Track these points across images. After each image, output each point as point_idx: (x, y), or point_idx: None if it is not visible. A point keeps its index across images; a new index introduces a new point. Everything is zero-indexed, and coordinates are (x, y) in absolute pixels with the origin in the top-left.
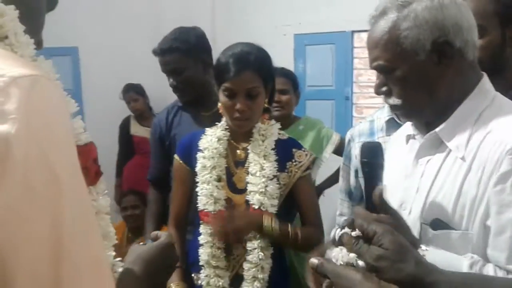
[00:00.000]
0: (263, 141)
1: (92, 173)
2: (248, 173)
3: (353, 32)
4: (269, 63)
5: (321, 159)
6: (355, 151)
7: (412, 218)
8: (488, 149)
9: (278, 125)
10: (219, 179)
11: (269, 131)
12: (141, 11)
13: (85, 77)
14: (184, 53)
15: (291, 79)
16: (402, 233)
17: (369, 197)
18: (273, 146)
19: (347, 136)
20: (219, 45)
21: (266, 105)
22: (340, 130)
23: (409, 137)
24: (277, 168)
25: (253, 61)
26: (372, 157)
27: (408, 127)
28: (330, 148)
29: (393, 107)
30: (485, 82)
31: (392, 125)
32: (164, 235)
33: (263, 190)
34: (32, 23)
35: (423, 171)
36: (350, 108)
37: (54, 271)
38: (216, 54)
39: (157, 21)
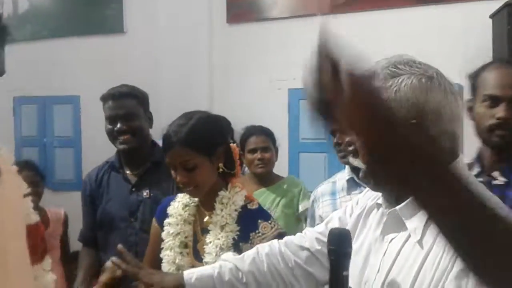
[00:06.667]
0: (221, 210)
1: (39, 251)
2: None
3: None
4: (206, 133)
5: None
6: (319, 211)
7: None
8: None
9: (244, 193)
10: (185, 246)
11: (231, 200)
12: (139, 67)
13: (85, 125)
14: (139, 101)
15: (271, 137)
16: None
17: (332, 285)
18: (235, 215)
19: (311, 198)
20: (216, 99)
21: (222, 169)
22: None
23: (378, 206)
24: (236, 239)
25: (182, 136)
26: (339, 246)
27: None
28: (305, 204)
29: (356, 170)
30: (457, 164)
31: (352, 185)
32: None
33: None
34: None
35: (386, 249)
36: None
37: None
38: (214, 108)
39: (155, 79)
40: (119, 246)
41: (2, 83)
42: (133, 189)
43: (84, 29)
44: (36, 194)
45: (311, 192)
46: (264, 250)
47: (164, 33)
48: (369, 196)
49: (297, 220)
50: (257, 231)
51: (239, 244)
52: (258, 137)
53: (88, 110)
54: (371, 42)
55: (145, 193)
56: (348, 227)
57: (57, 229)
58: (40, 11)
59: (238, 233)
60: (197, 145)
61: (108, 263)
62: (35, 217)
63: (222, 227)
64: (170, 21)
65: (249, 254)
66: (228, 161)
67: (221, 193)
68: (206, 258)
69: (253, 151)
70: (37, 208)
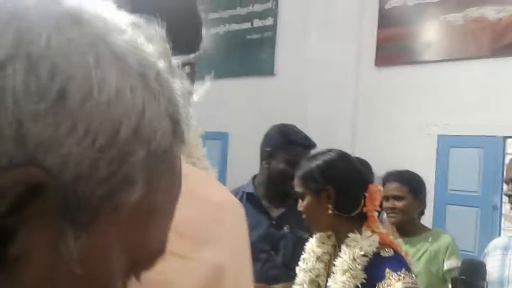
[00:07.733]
0: (346, 253)
1: None
2: None
3: (505, 137)
4: (317, 172)
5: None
6: (487, 265)
7: None
8: None
9: (376, 238)
10: (318, 285)
11: (359, 244)
12: (286, 107)
13: (232, 161)
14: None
15: (407, 184)
16: None
17: None
18: (362, 261)
19: (484, 250)
20: (360, 141)
21: (332, 210)
22: (484, 241)
23: None
24: (359, 287)
25: (300, 169)
26: (471, 277)
27: None
28: (452, 262)
29: None
30: None
31: None
32: None
33: None
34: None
35: None
36: (498, 219)
37: None
38: (357, 151)
39: (301, 119)
40: None
41: None
42: (274, 222)
43: (239, 71)
44: None
45: (461, 249)
46: None
47: (312, 74)
48: None
49: (442, 280)
50: (383, 281)
51: None
52: (391, 184)
53: (235, 147)
54: None
55: (285, 227)
56: None
57: None
58: (205, 54)
59: (364, 281)
60: (306, 180)
61: None
62: None
63: (344, 272)
64: (318, 63)
65: None
66: (342, 204)
67: (351, 235)
68: None
69: (386, 198)
70: None
